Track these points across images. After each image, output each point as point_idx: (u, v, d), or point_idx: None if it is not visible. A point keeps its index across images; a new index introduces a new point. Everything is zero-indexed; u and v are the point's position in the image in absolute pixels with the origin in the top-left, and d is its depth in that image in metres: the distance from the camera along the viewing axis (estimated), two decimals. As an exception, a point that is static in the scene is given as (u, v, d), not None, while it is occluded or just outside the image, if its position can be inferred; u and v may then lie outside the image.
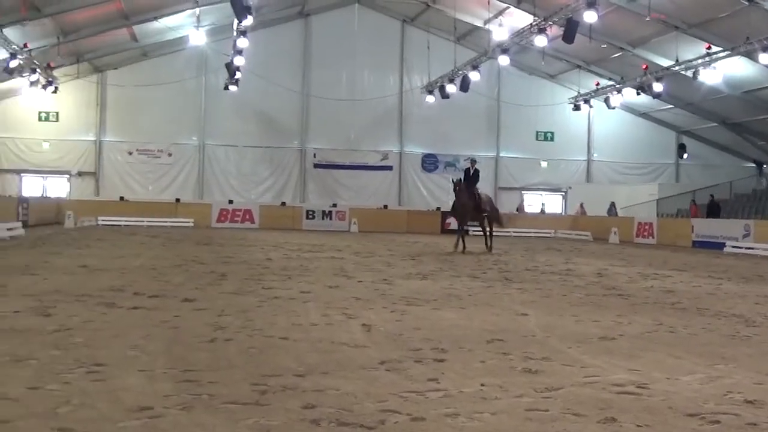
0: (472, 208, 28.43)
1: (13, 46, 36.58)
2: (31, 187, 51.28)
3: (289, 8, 50.86)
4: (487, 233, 29.20)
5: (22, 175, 51.46)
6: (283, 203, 49.65)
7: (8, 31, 35.56)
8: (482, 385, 6.83)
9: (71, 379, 6.62)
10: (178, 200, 48.18)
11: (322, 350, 8.26)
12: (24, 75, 41.08)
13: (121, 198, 47.76)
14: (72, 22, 40.13)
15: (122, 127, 51.68)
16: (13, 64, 37.67)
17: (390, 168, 53.92)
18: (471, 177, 29.08)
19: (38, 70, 41.57)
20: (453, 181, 29.56)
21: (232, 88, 47.12)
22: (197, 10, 42.11)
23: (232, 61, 43.07)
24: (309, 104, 52.98)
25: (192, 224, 44.91)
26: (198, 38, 45.17)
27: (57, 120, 51.08)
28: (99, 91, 51.33)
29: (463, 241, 27.79)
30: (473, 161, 30.53)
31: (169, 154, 52.12)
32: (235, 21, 36.25)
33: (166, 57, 50.79)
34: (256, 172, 53.32)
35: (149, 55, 50.66)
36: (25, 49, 38.07)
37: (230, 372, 7.07)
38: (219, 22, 44.79)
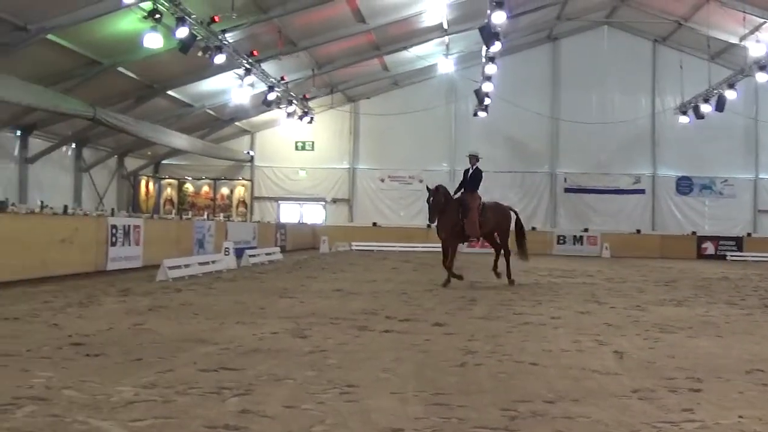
0: (452, 228, 21.63)
1: (271, 80, 38.22)
2: (289, 213, 53.20)
3: (537, 33, 50.66)
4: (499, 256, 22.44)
5: (279, 202, 53.56)
6: (534, 228, 49.35)
7: (266, 66, 37.11)
8: (740, 417, 6.55)
9: (325, 399, 6.81)
10: (428, 225, 48.70)
11: (572, 377, 8.15)
12: (281, 106, 42.68)
13: (374, 224, 48.87)
14: (326, 55, 41.52)
15: (374, 154, 52.95)
16: (271, 96, 39.32)
17: (642, 192, 52.67)
18: (469, 180, 21.91)
19: (294, 101, 43.22)
20: (428, 188, 22.08)
21: (482, 114, 47.43)
22: (446, 38, 42.80)
23: (480, 88, 43.26)
24: (558, 128, 52.48)
25: (443, 249, 45.35)
26: (447, 66, 45.96)
27: (313, 149, 52.95)
28: (352, 120, 52.83)
29: (450, 270, 21.25)
30: (474, 157, 22.04)
31: (420, 180, 52.61)
32: (484, 48, 36.44)
33: (415, 85, 51.57)
34: (506, 196, 52.66)
35: (400, 84, 51.63)
36: (282, 82, 39.76)
37: (480, 396, 7.08)
38: (467, 49, 45.30)
